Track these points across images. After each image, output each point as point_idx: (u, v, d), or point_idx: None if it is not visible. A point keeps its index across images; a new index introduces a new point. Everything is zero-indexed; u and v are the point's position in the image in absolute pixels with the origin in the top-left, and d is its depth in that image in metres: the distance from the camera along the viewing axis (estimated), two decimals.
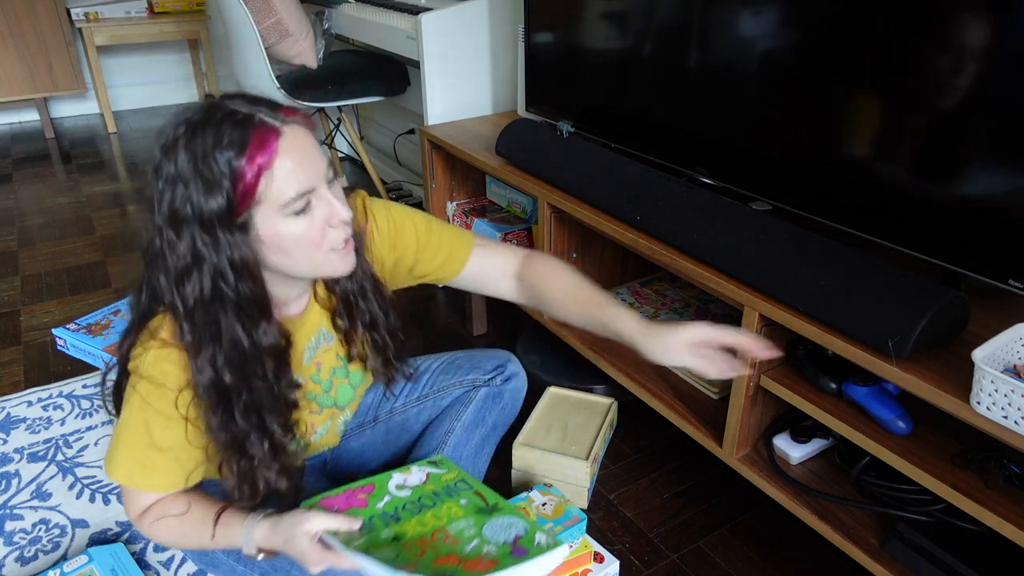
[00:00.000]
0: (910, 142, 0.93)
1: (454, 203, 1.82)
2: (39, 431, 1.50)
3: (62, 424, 1.52)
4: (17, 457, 1.43)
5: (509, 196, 1.74)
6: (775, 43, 1.07)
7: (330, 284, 0.98)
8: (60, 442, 1.47)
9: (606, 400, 1.43)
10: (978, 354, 0.76)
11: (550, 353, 1.62)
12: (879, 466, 0.98)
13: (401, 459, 1.21)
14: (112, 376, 0.94)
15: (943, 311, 0.84)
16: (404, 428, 1.20)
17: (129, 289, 0.91)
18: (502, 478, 1.36)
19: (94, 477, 1.37)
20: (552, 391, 1.46)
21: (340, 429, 1.13)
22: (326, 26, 2.35)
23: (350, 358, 1.05)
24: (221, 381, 0.83)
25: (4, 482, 1.36)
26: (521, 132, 1.47)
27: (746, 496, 1.31)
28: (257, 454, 0.87)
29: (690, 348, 0.89)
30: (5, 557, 1.20)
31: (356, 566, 0.80)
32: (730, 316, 1.45)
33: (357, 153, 2.59)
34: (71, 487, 1.35)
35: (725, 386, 1.22)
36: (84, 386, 1.63)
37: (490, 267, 1.08)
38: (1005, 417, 0.75)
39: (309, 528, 0.82)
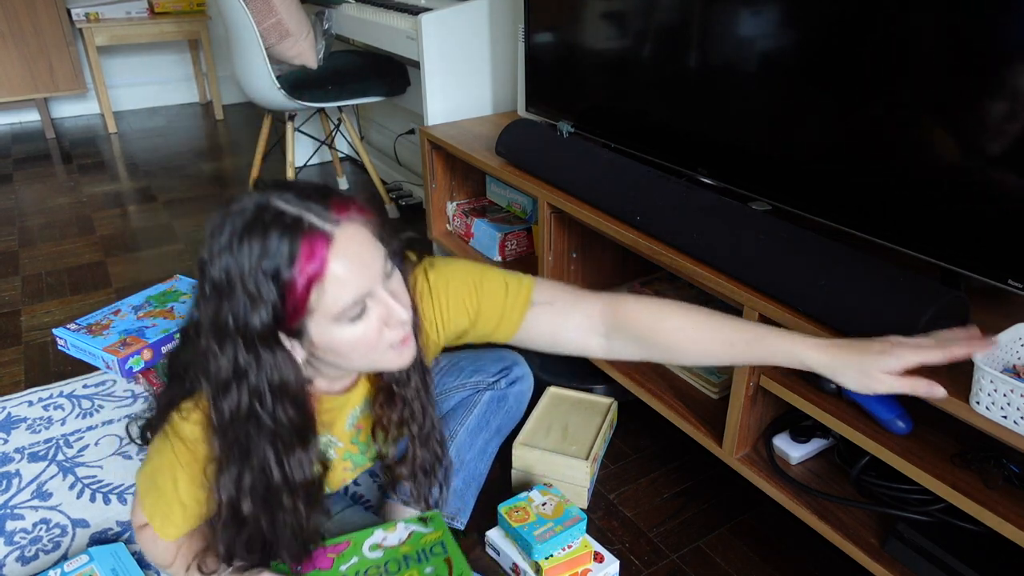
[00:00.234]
0: (910, 142, 0.93)
1: (454, 203, 1.82)
2: (40, 431, 1.50)
3: (63, 424, 1.52)
4: (18, 457, 1.43)
5: (509, 196, 1.74)
6: (775, 43, 1.07)
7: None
8: (61, 442, 1.47)
9: (606, 400, 1.43)
10: (978, 354, 0.76)
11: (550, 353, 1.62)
12: (879, 466, 0.98)
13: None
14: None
15: (943, 311, 0.84)
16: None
17: (187, 319, 0.87)
18: (502, 478, 1.36)
19: (94, 477, 1.37)
20: (552, 391, 1.46)
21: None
22: (326, 26, 2.35)
23: (376, 445, 1.00)
24: (239, 506, 0.80)
25: (5, 482, 1.36)
26: (521, 132, 1.47)
27: (746, 496, 1.31)
28: (279, 540, 0.86)
29: (891, 378, 0.77)
30: (6, 557, 1.20)
31: None
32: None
33: (357, 153, 2.60)
34: (72, 487, 1.35)
35: (725, 386, 1.22)
36: (85, 386, 1.63)
37: (561, 328, 0.94)
38: (1004, 417, 0.75)
39: None
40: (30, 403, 1.58)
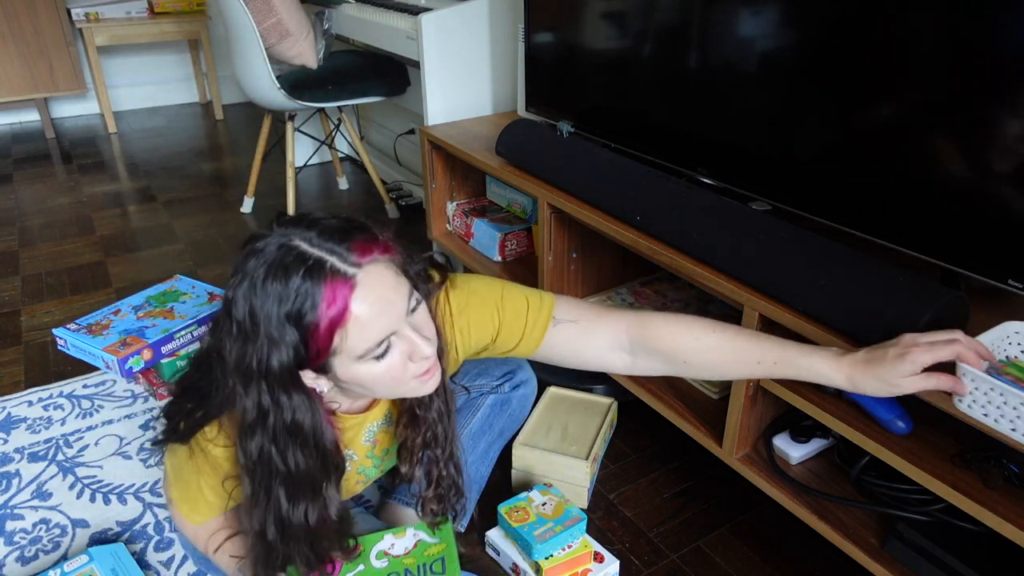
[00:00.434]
0: (909, 142, 0.93)
1: (454, 203, 1.82)
2: (39, 431, 1.50)
3: (62, 424, 1.52)
4: (17, 457, 1.43)
5: (509, 196, 1.74)
6: (775, 43, 1.07)
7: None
8: (60, 442, 1.47)
9: (606, 400, 1.43)
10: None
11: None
12: (879, 466, 0.98)
13: None
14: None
15: (943, 311, 0.84)
16: None
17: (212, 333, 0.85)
18: (502, 478, 1.36)
19: (94, 477, 1.37)
20: (552, 391, 1.46)
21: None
22: (326, 26, 2.35)
23: (400, 466, 1.01)
24: (264, 535, 0.83)
25: (4, 482, 1.36)
26: (521, 132, 1.47)
27: (746, 496, 1.31)
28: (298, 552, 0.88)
29: (912, 379, 0.78)
30: (6, 557, 1.20)
31: None
32: (730, 316, 1.45)
33: (357, 153, 2.60)
34: (71, 487, 1.35)
35: (725, 386, 1.22)
36: (84, 386, 1.63)
37: (583, 346, 0.95)
38: (986, 415, 0.75)
39: None
40: (30, 403, 1.58)
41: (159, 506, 1.30)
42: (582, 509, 1.24)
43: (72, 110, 3.85)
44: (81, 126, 3.71)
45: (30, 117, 3.76)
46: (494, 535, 1.18)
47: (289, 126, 2.38)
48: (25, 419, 1.53)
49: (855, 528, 0.99)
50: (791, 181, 1.10)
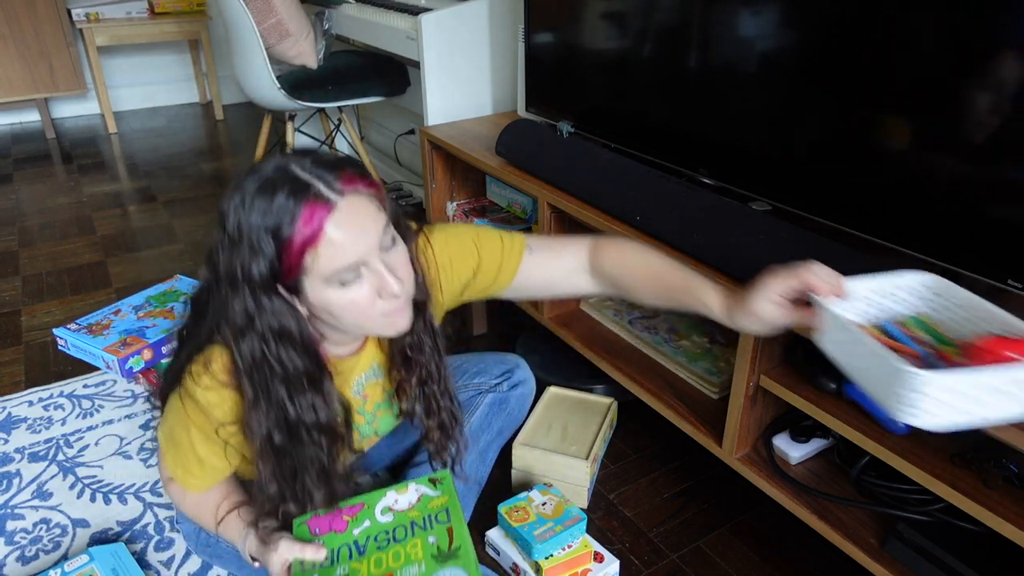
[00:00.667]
0: (909, 142, 0.93)
1: (454, 203, 1.82)
2: (40, 431, 1.50)
3: (63, 424, 1.52)
4: (18, 457, 1.43)
5: (509, 196, 1.74)
6: (775, 43, 1.07)
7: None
8: (61, 442, 1.47)
9: (606, 400, 1.43)
10: (819, 296, 0.75)
11: (550, 353, 1.62)
12: (879, 466, 0.98)
13: (404, 461, 1.21)
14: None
15: None
16: (408, 431, 1.20)
17: (197, 286, 0.93)
18: (502, 478, 1.36)
19: (95, 477, 1.37)
20: (552, 391, 1.46)
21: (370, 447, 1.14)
22: (326, 26, 2.35)
23: (400, 409, 1.04)
24: (271, 440, 0.85)
25: (5, 482, 1.36)
26: (521, 132, 1.47)
27: (746, 496, 1.31)
28: (303, 488, 0.90)
29: (779, 308, 0.80)
30: (6, 557, 1.20)
31: None
32: None
33: (357, 153, 2.60)
34: (72, 487, 1.35)
35: (725, 386, 1.22)
36: (85, 386, 1.64)
37: (554, 269, 1.02)
38: (837, 355, 0.74)
39: (278, 556, 0.87)
40: (30, 403, 1.58)
41: (159, 506, 1.30)
42: (582, 509, 1.24)
43: (72, 110, 3.86)
44: (81, 126, 3.71)
45: (30, 117, 3.76)
46: (494, 535, 1.18)
47: (289, 126, 2.38)
48: (25, 419, 1.53)
49: (855, 528, 0.99)
50: (791, 181, 1.10)
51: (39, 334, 1.85)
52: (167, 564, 1.18)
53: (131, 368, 1.62)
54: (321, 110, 2.60)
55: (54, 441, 1.47)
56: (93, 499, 1.32)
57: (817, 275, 0.77)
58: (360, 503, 0.95)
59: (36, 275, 2.16)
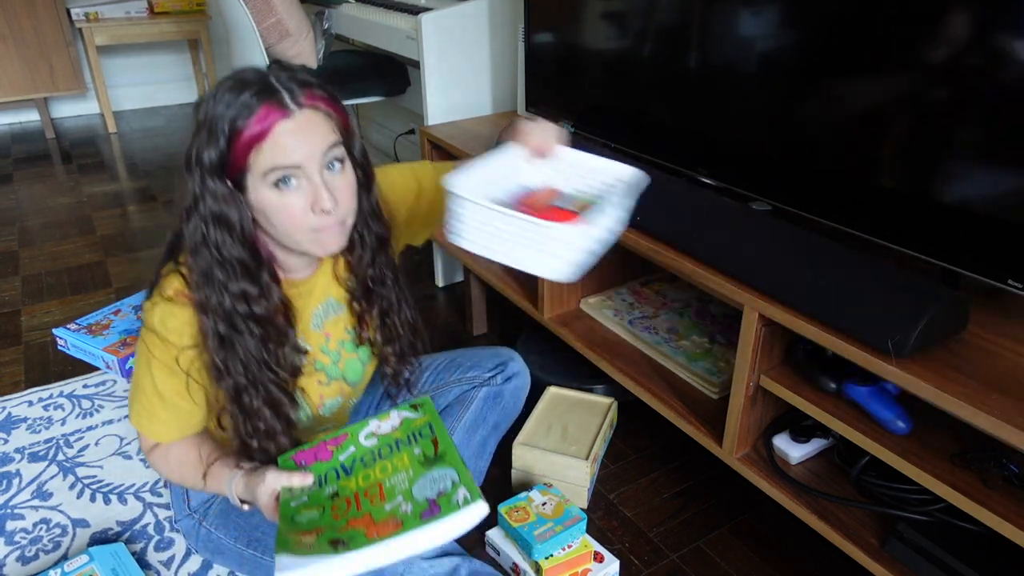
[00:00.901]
0: (910, 142, 0.93)
1: None
2: (40, 431, 1.50)
3: (63, 424, 1.52)
4: (18, 457, 1.43)
5: None
6: (775, 43, 1.07)
7: (354, 266, 1.01)
8: (61, 442, 1.47)
9: (606, 400, 1.43)
10: (456, 181, 0.79)
11: (550, 353, 1.62)
12: (879, 466, 0.98)
13: None
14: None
15: (943, 311, 0.84)
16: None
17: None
18: (502, 478, 1.36)
19: (95, 477, 1.37)
20: (552, 391, 1.46)
21: (348, 414, 1.13)
22: (326, 26, 2.35)
23: (360, 338, 1.06)
24: (217, 328, 0.88)
25: (5, 482, 1.36)
26: None
27: (746, 496, 1.31)
28: (259, 415, 0.92)
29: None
30: (6, 557, 1.20)
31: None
32: (730, 316, 1.45)
33: None
34: (72, 487, 1.35)
35: (725, 386, 1.22)
36: (85, 386, 1.63)
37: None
38: (489, 249, 0.77)
39: (266, 487, 0.87)
40: (30, 403, 1.58)
41: (159, 506, 1.30)
42: (582, 509, 1.25)
43: (72, 110, 3.85)
44: (81, 126, 3.71)
45: (30, 117, 3.76)
46: (494, 535, 1.19)
47: None
48: (25, 419, 1.53)
49: (855, 528, 0.99)
50: (791, 181, 1.10)
51: (39, 334, 1.85)
52: (167, 564, 1.18)
53: (131, 368, 1.62)
54: None
55: (54, 441, 1.47)
56: (93, 499, 1.32)
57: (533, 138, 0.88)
58: (344, 434, 0.97)
59: (36, 275, 2.16)
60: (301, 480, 0.88)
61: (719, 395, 1.23)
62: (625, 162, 0.86)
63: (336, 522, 0.84)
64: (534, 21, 1.55)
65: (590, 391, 1.47)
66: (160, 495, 1.32)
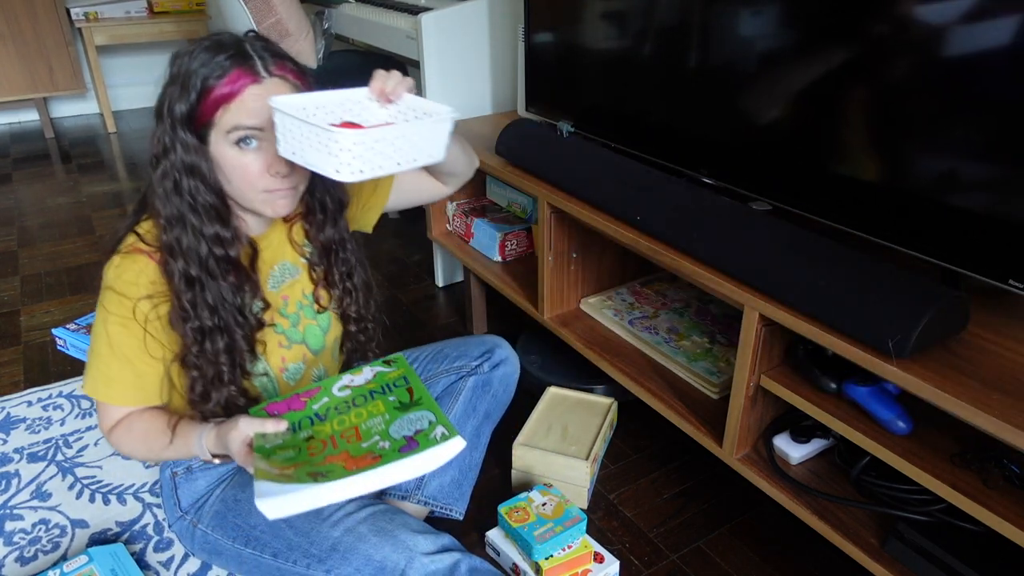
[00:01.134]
0: (910, 143, 0.93)
1: (454, 203, 1.82)
2: (39, 431, 1.50)
3: (62, 424, 1.52)
4: (17, 457, 1.43)
5: (509, 196, 1.74)
6: (775, 43, 1.07)
7: (312, 233, 1.05)
8: (60, 442, 1.47)
9: (606, 400, 1.43)
10: (281, 97, 0.85)
11: (550, 353, 1.62)
12: (879, 466, 0.98)
13: None
14: None
15: (943, 311, 0.84)
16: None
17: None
18: (502, 478, 1.36)
19: (94, 477, 1.37)
20: (552, 391, 1.46)
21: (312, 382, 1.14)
22: (326, 26, 2.35)
23: (319, 305, 1.09)
24: (188, 270, 0.92)
25: (4, 482, 1.36)
26: (521, 132, 1.47)
27: (746, 496, 1.31)
28: (217, 360, 0.94)
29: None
30: (5, 557, 1.20)
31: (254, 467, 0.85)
32: (730, 316, 1.45)
33: None
34: (71, 487, 1.35)
35: (725, 386, 1.22)
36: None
37: (420, 178, 1.15)
38: (294, 153, 0.83)
39: (238, 433, 0.88)
40: (29, 403, 1.58)
41: (159, 507, 1.30)
42: (582, 509, 1.24)
43: (71, 110, 3.85)
44: (80, 126, 3.71)
45: (29, 117, 3.76)
46: (494, 535, 1.18)
47: None
48: (24, 419, 1.53)
49: (855, 528, 0.99)
50: (791, 181, 1.10)
51: (38, 334, 1.85)
52: (166, 565, 1.18)
53: None
54: None
55: (53, 441, 1.47)
56: (92, 499, 1.32)
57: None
58: (317, 387, 0.99)
59: (35, 275, 2.16)
60: (275, 426, 0.90)
61: (719, 395, 1.23)
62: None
63: (313, 459, 0.85)
64: (534, 21, 1.55)
65: (590, 391, 1.47)
66: (158, 494, 1.32)
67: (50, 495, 1.33)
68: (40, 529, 1.26)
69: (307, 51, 2.24)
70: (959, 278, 0.93)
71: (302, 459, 0.85)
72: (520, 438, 1.32)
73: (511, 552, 1.15)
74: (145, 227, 0.95)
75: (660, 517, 1.29)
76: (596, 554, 1.15)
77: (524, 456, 1.30)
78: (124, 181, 2.96)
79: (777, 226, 1.03)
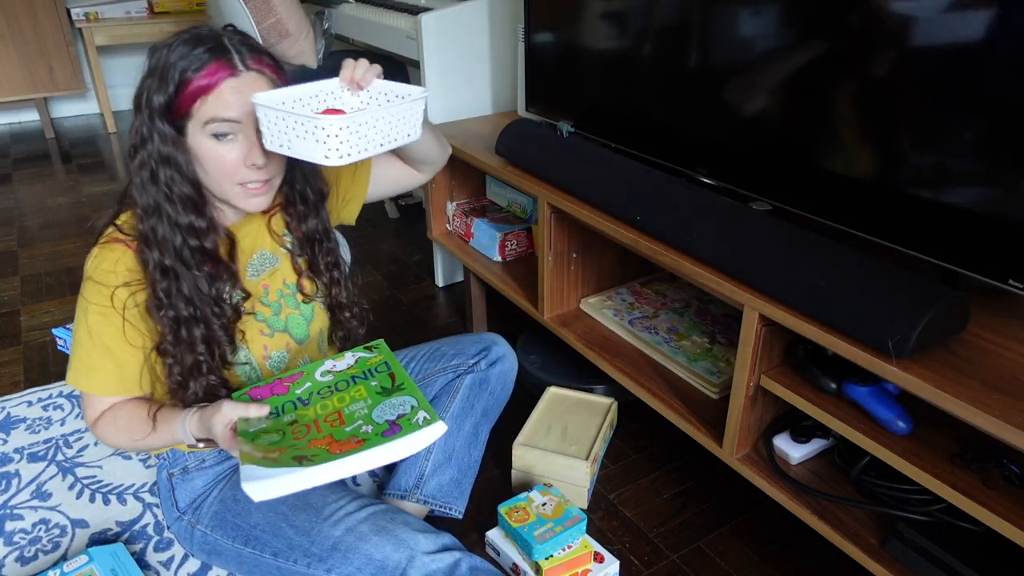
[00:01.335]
0: (910, 143, 0.93)
1: (454, 203, 1.82)
2: (39, 431, 1.50)
3: (62, 424, 1.52)
4: (17, 457, 1.43)
5: (509, 196, 1.74)
6: (775, 43, 1.07)
7: (293, 224, 1.07)
8: (60, 442, 1.47)
9: (606, 400, 1.43)
10: (262, 94, 0.89)
11: (550, 353, 1.62)
12: (879, 466, 0.98)
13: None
14: None
15: (943, 311, 0.84)
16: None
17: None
18: (502, 478, 1.36)
19: (94, 477, 1.37)
20: (552, 391, 1.46)
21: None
22: (326, 26, 2.35)
23: (303, 294, 1.10)
24: (163, 260, 0.93)
25: (4, 482, 1.36)
26: (521, 132, 1.47)
27: (746, 496, 1.31)
28: (194, 348, 0.95)
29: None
30: (5, 557, 1.20)
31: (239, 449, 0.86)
32: (730, 316, 1.45)
33: None
34: (71, 487, 1.35)
35: (725, 386, 1.22)
36: None
37: (393, 167, 1.18)
38: (282, 146, 0.86)
39: (221, 417, 0.90)
40: (29, 403, 1.58)
41: (159, 507, 1.30)
42: (582, 509, 1.24)
43: (72, 110, 3.85)
44: (81, 126, 3.71)
45: (29, 117, 3.76)
46: (494, 535, 1.18)
47: None
48: (25, 419, 1.53)
49: (855, 528, 0.99)
50: (791, 181, 1.10)
51: (38, 334, 1.85)
52: (166, 565, 1.18)
53: None
54: None
55: (53, 441, 1.47)
56: (92, 499, 1.32)
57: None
58: (299, 372, 1.00)
59: (35, 275, 2.16)
60: (258, 411, 0.91)
61: (719, 395, 1.23)
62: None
63: (297, 443, 0.86)
64: (534, 21, 1.55)
65: (590, 391, 1.47)
66: (157, 494, 1.32)
67: (50, 495, 1.33)
68: (40, 529, 1.26)
69: (307, 51, 2.24)
70: (959, 278, 0.93)
71: (287, 443, 0.87)
72: (520, 438, 1.32)
73: (511, 552, 1.15)
74: (123, 217, 0.96)
75: (660, 517, 1.29)
76: (596, 554, 1.15)
77: (524, 456, 1.30)
78: (124, 181, 2.95)
79: (777, 226, 1.03)
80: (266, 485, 0.78)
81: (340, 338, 1.16)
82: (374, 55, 2.34)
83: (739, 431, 1.09)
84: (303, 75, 2.23)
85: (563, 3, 1.46)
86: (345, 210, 1.18)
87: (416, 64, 1.86)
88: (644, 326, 1.42)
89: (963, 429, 0.91)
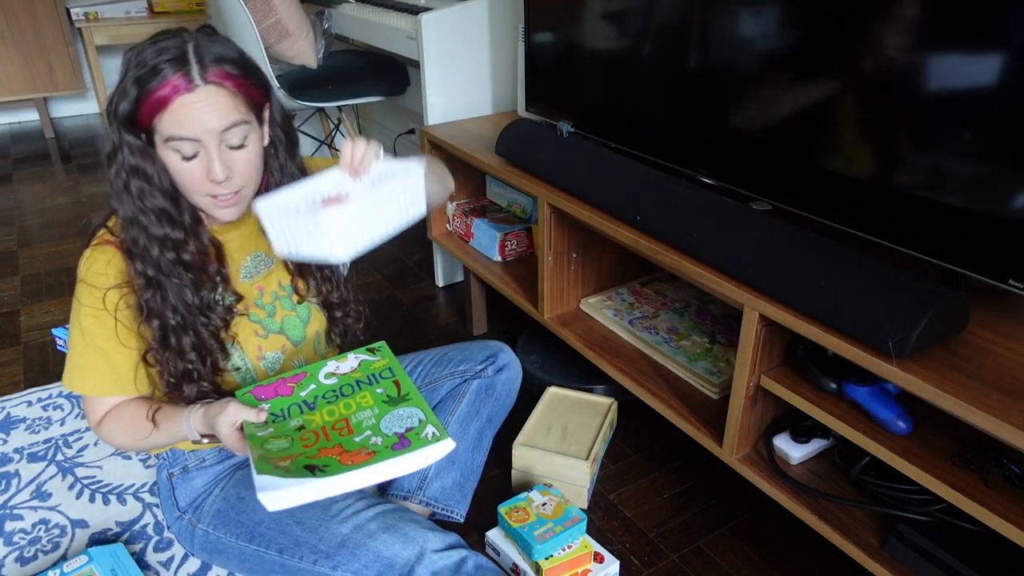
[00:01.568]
0: (910, 143, 0.93)
1: (454, 203, 1.82)
2: (39, 431, 1.50)
3: (62, 424, 1.52)
4: (17, 457, 1.43)
5: (509, 196, 1.74)
6: (775, 43, 1.07)
7: None
8: (60, 442, 1.47)
9: (606, 400, 1.43)
10: (260, 202, 0.89)
11: (550, 353, 1.62)
12: (879, 466, 0.98)
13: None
14: None
15: (943, 311, 0.84)
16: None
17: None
18: (502, 478, 1.36)
19: (94, 477, 1.37)
20: (552, 391, 1.46)
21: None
22: (326, 26, 2.35)
23: (298, 296, 1.09)
24: (145, 270, 0.93)
25: (4, 482, 1.36)
26: (521, 132, 1.47)
27: (746, 496, 1.31)
28: (184, 356, 0.95)
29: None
30: (5, 557, 1.20)
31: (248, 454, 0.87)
32: (730, 316, 1.45)
33: None
34: (71, 487, 1.35)
35: (725, 386, 1.22)
36: None
37: None
38: (291, 251, 0.87)
39: (226, 419, 0.90)
40: (29, 403, 1.58)
41: (159, 507, 1.30)
42: (582, 509, 1.24)
43: (71, 110, 3.85)
44: (80, 126, 3.71)
45: (29, 117, 3.76)
46: (494, 535, 1.18)
47: None
48: (24, 419, 1.53)
49: (855, 528, 0.99)
50: (791, 181, 1.10)
51: (38, 334, 1.85)
52: (166, 565, 1.18)
53: None
54: (321, 110, 2.59)
55: (53, 441, 1.47)
56: (92, 499, 1.32)
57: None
58: (303, 372, 1.00)
59: (35, 275, 2.16)
60: (257, 417, 0.91)
61: (719, 395, 1.23)
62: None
63: (307, 451, 0.87)
64: (534, 21, 1.55)
65: (590, 391, 1.47)
66: (157, 493, 1.32)
67: (50, 495, 1.33)
68: (40, 529, 1.26)
69: (307, 51, 2.23)
70: (959, 278, 0.93)
71: (296, 450, 0.87)
72: (520, 438, 1.32)
73: (511, 552, 1.15)
74: (114, 220, 0.96)
75: (660, 517, 1.29)
76: (596, 554, 1.15)
77: (524, 456, 1.30)
78: None
79: (777, 226, 1.03)
80: (281, 495, 0.79)
81: (339, 335, 1.16)
82: (375, 55, 2.34)
83: (739, 431, 1.08)
84: (303, 74, 2.24)
85: (563, 3, 1.46)
86: None
87: (416, 64, 1.86)
88: (644, 326, 1.42)
89: (963, 429, 0.91)
